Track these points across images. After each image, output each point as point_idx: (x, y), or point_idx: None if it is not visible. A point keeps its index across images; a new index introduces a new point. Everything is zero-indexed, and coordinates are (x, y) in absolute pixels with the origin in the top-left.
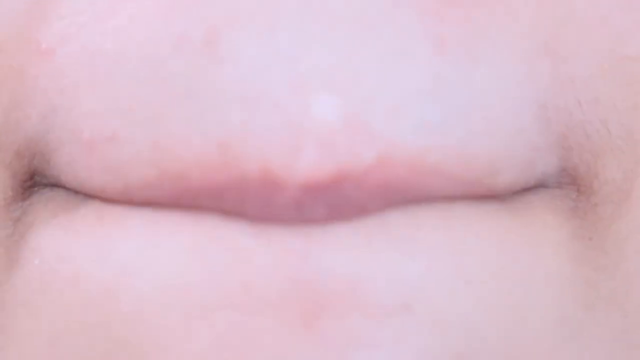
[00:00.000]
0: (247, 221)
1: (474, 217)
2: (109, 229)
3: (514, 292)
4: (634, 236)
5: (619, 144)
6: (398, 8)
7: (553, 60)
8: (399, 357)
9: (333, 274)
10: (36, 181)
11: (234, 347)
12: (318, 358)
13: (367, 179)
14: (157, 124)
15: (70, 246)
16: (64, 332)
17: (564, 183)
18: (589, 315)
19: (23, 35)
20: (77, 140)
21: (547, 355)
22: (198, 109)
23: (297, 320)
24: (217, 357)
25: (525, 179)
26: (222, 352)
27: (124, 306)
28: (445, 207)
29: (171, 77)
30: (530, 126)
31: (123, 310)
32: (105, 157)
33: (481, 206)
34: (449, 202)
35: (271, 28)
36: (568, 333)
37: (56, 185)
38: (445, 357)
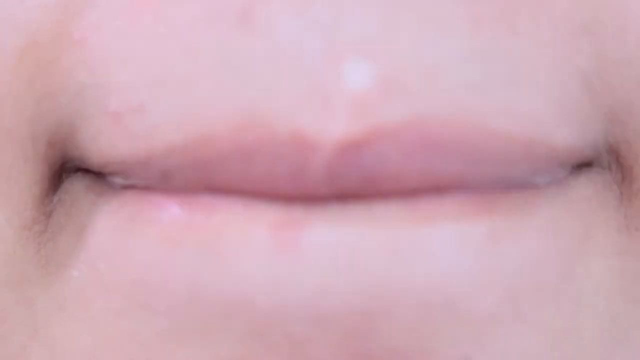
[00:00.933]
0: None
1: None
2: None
3: (566, 306)
4: None
5: None
6: None
7: (593, 42)
8: None
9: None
10: (65, 168)
11: None
12: None
13: (402, 134)
14: (186, 93)
15: (134, 242)
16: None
17: (611, 163)
18: (638, 310)
19: (57, 27)
20: (103, 113)
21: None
22: (229, 77)
23: None
24: None
25: (581, 143)
26: None
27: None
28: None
29: (204, 51)
30: (578, 92)
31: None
32: (130, 126)
33: (533, 198)
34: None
35: (307, 1)
36: (618, 331)
37: (80, 168)
38: None
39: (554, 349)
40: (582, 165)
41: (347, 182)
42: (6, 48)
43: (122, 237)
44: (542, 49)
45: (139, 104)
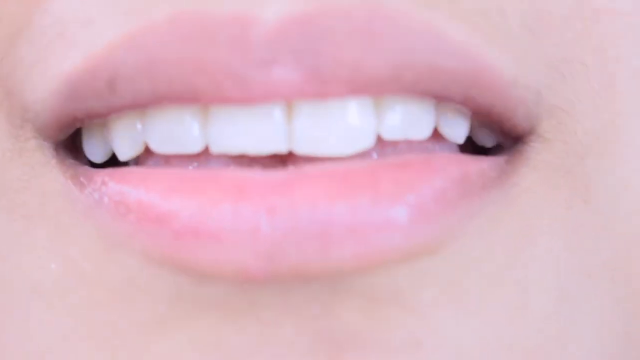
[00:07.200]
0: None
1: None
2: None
3: (511, 287)
4: (625, 194)
5: (596, 88)
6: None
7: None
8: None
9: None
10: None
11: None
12: None
13: (351, 13)
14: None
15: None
16: None
17: (553, 130)
18: (590, 284)
19: None
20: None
21: (548, 339)
22: None
23: None
24: None
25: (523, 79)
26: None
27: None
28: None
29: None
30: (518, 30)
31: None
32: (75, 37)
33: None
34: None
35: None
36: (571, 306)
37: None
38: None
39: (503, 329)
40: (526, 137)
41: (286, 57)
42: None
43: None
44: None
45: (85, 17)
